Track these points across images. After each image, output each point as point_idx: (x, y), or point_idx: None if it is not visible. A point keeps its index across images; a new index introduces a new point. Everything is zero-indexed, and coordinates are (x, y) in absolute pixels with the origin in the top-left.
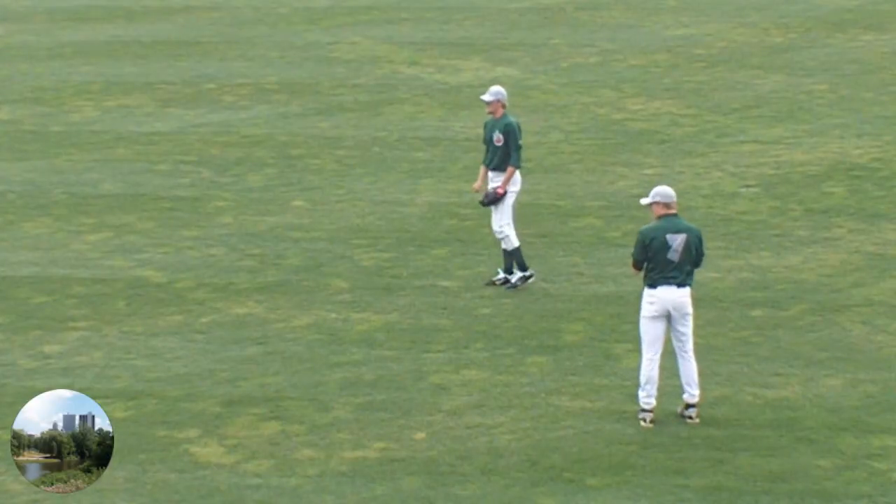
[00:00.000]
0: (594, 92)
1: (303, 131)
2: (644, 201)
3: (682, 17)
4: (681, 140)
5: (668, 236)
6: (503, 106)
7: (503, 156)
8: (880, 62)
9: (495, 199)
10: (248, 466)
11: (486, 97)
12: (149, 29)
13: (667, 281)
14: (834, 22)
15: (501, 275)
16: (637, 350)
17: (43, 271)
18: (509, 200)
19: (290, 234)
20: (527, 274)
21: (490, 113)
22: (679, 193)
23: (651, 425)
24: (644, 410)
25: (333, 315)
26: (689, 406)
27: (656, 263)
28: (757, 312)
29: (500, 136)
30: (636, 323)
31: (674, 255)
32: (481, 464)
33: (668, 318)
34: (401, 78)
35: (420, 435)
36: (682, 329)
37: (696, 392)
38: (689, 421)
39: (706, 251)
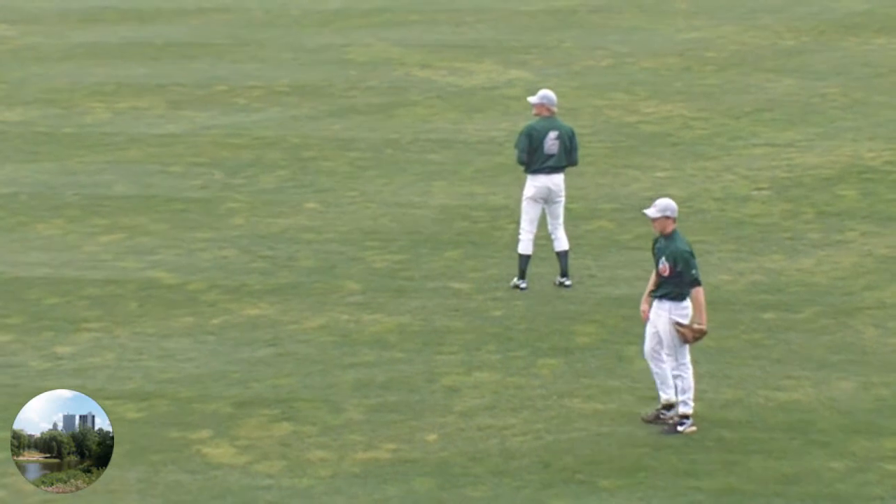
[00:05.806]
0: (606, 95)
1: (315, 133)
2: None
3: (694, 20)
4: (693, 143)
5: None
6: (548, 110)
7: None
8: (892, 65)
9: None
10: (260, 467)
11: (533, 99)
12: (161, 31)
13: None
14: (846, 25)
15: (558, 279)
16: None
17: (55, 272)
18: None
19: (303, 235)
20: (520, 284)
21: (536, 115)
22: (691, 196)
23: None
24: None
25: (345, 317)
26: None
27: None
28: (769, 315)
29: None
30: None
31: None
32: (493, 465)
33: None
34: (413, 80)
35: (432, 436)
36: None
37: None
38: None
39: None
